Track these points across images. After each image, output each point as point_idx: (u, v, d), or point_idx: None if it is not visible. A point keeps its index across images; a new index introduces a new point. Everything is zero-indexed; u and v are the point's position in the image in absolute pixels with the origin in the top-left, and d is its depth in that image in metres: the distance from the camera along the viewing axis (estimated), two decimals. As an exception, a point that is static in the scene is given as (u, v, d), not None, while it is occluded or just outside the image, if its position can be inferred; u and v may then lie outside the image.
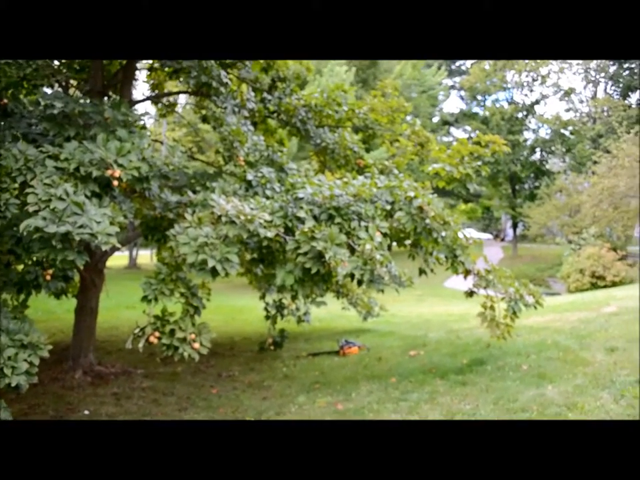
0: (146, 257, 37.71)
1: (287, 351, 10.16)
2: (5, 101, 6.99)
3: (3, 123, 6.56)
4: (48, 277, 5.83)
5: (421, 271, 7.94)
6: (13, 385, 4.78)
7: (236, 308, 16.65)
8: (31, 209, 4.83)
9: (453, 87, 49.55)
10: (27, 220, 4.71)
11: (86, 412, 7.01)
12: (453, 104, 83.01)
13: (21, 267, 6.52)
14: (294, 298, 7.75)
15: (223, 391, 7.87)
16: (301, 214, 6.06)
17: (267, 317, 10.02)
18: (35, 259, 6.10)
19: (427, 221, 6.88)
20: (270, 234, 5.63)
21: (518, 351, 8.23)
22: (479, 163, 8.79)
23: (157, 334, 5.41)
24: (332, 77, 26.89)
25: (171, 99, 12.05)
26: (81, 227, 4.65)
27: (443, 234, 7.20)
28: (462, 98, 48.28)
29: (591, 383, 6.49)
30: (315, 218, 6.21)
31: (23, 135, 6.45)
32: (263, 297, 10.38)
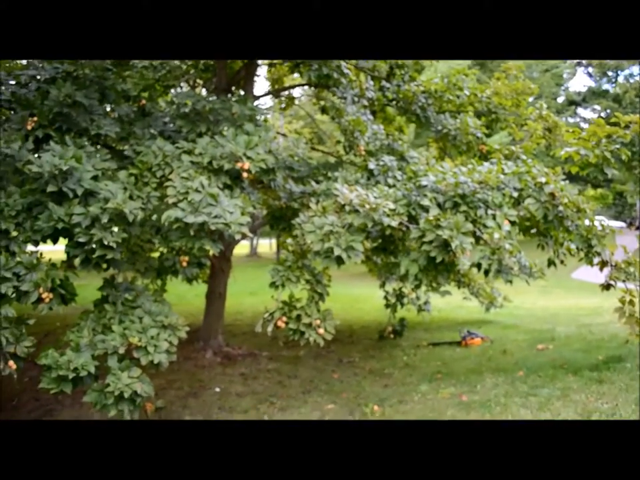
0: (265, 246, 39.21)
1: (407, 340, 10.11)
2: (143, 102, 7.56)
3: (141, 123, 7.12)
4: (184, 264, 6.24)
5: (550, 262, 7.50)
6: (155, 362, 5.22)
7: (353, 296, 16.83)
8: (170, 200, 5.20)
9: (579, 64, 46.03)
10: (167, 211, 5.08)
11: (217, 389, 7.47)
12: (579, 82, 77.18)
13: (157, 255, 7.05)
14: (417, 287, 7.67)
15: (344, 376, 8.00)
16: (425, 202, 5.95)
17: (387, 306, 10.02)
18: (172, 247, 6.55)
19: (560, 208, 6.48)
20: (394, 222, 5.60)
21: (661, 349, 7.54)
22: (617, 145, 8.10)
23: (284, 319, 5.62)
24: (449, 61, 26.09)
25: (290, 92, 12.37)
26: (215, 217, 4.94)
27: (577, 222, 6.75)
28: (590, 75, 44.69)
29: None
30: (439, 206, 6.07)
31: (160, 132, 6.96)
32: (382, 286, 10.38)
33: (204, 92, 10.94)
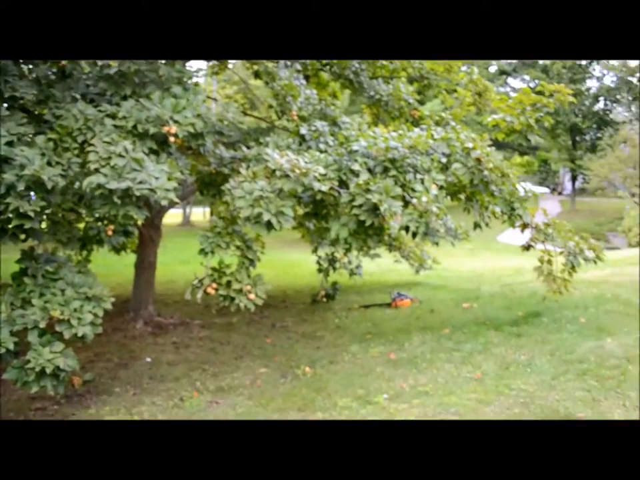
0: (199, 214, 38.47)
1: (339, 304, 10.28)
2: (64, 63, 7.10)
3: (61, 85, 6.70)
4: (110, 233, 6.02)
5: (476, 225, 7.78)
6: (80, 335, 5.06)
7: (287, 262, 16.89)
8: (92, 166, 4.97)
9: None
10: (89, 177, 4.86)
11: (148, 359, 7.36)
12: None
13: (82, 225, 6.77)
14: (347, 251, 7.76)
15: (277, 340, 8.08)
16: (356, 167, 6.00)
17: (320, 270, 10.12)
18: (96, 215, 6.30)
19: (485, 173, 6.70)
20: (324, 187, 5.62)
21: (576, 304, 8.06)
22: (541, 113, 8.40)
23: (214, 285, 5.57)
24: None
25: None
26: (140, 182, 4.77)
27: (501, 187, 7.02)
28: (519, 45, 45.83)
29: (654, 336, 6.32)
30: (370, 171, 6.14)
31: (82, 95, 6.57)
32: (315, 251, 10.45)
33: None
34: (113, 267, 14.97)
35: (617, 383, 5.21)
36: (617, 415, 4.61)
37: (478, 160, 6.68)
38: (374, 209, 5.58)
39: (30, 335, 4.89)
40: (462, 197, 7.72)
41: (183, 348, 7.86)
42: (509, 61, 44.57)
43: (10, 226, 4.97)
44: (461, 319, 8.32)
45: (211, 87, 23.90)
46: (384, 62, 9.70)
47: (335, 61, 9.47)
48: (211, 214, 28.02)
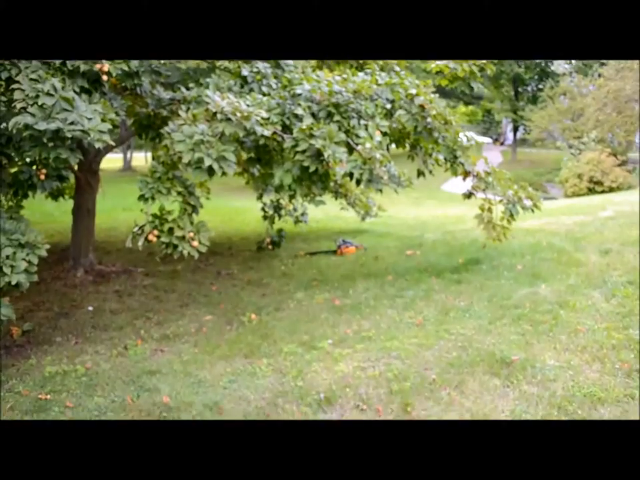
0: (140, 159, 37.26)
1: (285, 251, 10.29)
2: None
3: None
4: (42, 177, 5.75)
5: (419, 172, 7.86)
6: (13, 283, 4.85)
7: (233, 209, 16.70)
8: (18, 105, 4.65)
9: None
10: (15, 117, 4.55)
11: (90, 308, 7.20)
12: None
13: (13, 170, 6.41)
14: (292, 198, 7.73)
15: (223, 288, 8.05)
16: (299, 111, 5.87)
17: (265, 217, 10.06)
18: (27, 159, 5.98)
19: (428, 120, 6.71)
20: (267, 132, 5.49)
21: (513, 252, 8.35)
22: (484, 61, 8.43)
23: (155, 232, 5.42)
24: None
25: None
26: (71, 123, 4.50)
27: (444, 134, 7.06)
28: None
29: (584, 282, 6.65)
30: (314, 115, 6.03)
31: (4, 26, 6.11)
32: (260, 198, 10.36)
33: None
34: (50, 214, 14.41)
35: (549, 327, 5.47)
36: (548, 357, 4.85)
37: (422, 107, 6.67)
38: (318, 154, 5.51)
39: (-41, 285, 4.67)
40: (406, 144, 7.76)
41: (126, 296, 7.71)
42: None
43: None
44: (404, 266, 8.50)
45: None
46: None
47: None
48: (153, 159, 27.22)
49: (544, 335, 5.31)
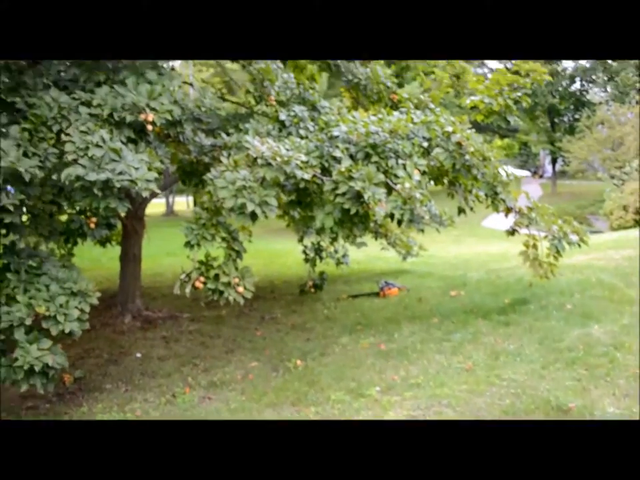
0: (182, 203, 38.21)
1: (327, 293, 10.24)
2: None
3: (32, 71, 6.53)
4: (92, 225, 5.94)
5: (460, 210, 7.78)
6: (67, 331, 4.98)
7: (274, 252, 16.83)
8: (69, 157, 4.86)
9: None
10: (67, 169, 4.75)
11: (138, 354, 7.29)
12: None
13: (64, 217, 6.64)
14: (333, 240, 7.72)
15: (267, 333, 8.04)
16: (337, 153, 5.93)
17: (306, 260, 10.08)
18: (78, 208, 6.20)
19: (467, 157, 6.68)
20: (307, 175, 5.55)
21: (561, 290, 8.09)
22: (519, 94, 8.41)
23: (202, 279, 5.50)
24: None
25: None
26: (120, 173, 4.67)
27: (483, 170, 7.00)
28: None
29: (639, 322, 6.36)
30: (352, 157, 6.07)
31: (54, 82, 6.42)
32: (301, 240, 10.41)
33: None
34: (97, 261, 14.83)
35: (606, 371, 5.23)
36: (607, 403, 4.62)
37: (459, 144, 6.65)
38: (358, 196, 5.53)
39: (16, 332, 4.81)
40: (445, 181, 7.71)
41: (172, 342, 7.79)
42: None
43: (-11, 220, 4.84)
44: (449, 307, 8.33)
45: (187, 70, 23.59)
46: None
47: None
48: (195, 203, 27.82)
49: (601, 380, 5.07)
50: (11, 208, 4.85)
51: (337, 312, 8.98)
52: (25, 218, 5.75)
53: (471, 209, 7.73)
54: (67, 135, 5.01)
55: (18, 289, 5.10)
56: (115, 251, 9.78)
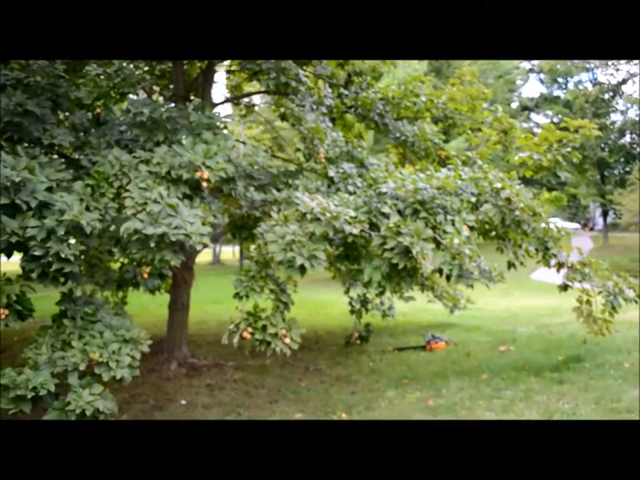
0: (228, 253, 38.87)
1: (373, 345, 10.15)
2: (98, 110, 7.41)
3: (97, 131, 6.95)
4: (145, 275, 6.15)
5: (510, 265, 7.66)
6: (118, 377, 5.09)
7: (318, 302, 16.84)
8: (129, 212, 5.10)
9: (531, 70, 47.26)
10: (126, 223, 4.98)
11: (183, 402, 7.34)
12: (532, 88, 79.23)
13: (116, 266, 6.89)
14: (381, 293, 7.71)
15: (312, 384, 7.98)
16: (385, 209, 6.01)
17: (352, 312, 10.06)
18: (132, 258, 6.43)
19: (516, 212, 6.64)
20: (355, 230, 5.63)
21: (618, 348, 7.79)
22: (568, 149, 8.36)
23: (249, 329, 5.57)
24: (405, 67, 26.50)
25: (250, 99, 12.33)
26: (175, 227, 4.86)
27: (533, 226, 6.93)
28: (542, 81, 46.00)
29: (703, 381, 6.05)
30: (400, 212, 6.14)
31: (116, 141, 6.81)
32: (347, 292, 10.42)
33: (161, 99, 10.77)
34: (145, 307, 15.16)
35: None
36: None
37: (508, 199, 6.63)
38: (406, 251, 5.55)
39: (70, 377, 4.94)
40: (494, 235, 7.66)
41: (217, 390, 7.82)
42: (530, 96, 44.65)
43: (51, 269, 5.07)
44: (499, 363, 8.12)
45: (238, 127, 24.47)
46: (407, 103, 9.85)
47: (359, 103, 9.65)
48: (240, 253, 28.33)
49: (664, 444, 4.80)
50: (72, 258, 5.08)
51: (382, 365, 8.86)
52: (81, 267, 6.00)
53: (521, 263, 7.61)
54: (127, 190, 5.27)
55: (73, 334, 5.29)
56: (162, 298, 10.01)
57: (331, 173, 6.92)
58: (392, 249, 5.58)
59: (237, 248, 32.38)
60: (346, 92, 9.69)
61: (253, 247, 6.14)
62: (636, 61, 34.79)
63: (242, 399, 7.40)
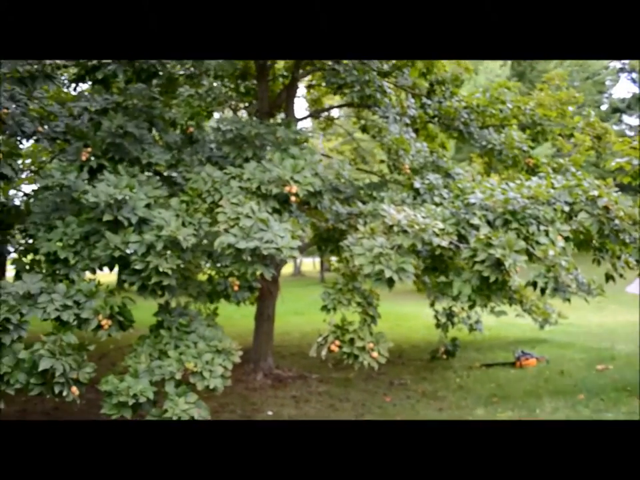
0: (309, 264, 39.30)
1: (458, 361, 9.90)
2: (191, 129, 7.75)
3: (189, 149, 7.28)
4: (236, 288, 6.32)
5: (608, 277, 7.26)
6: (211, 387, 5.25)
7: (400, 315, 16.63)
8: (221, 227, 5.28)
9: (622, 70, 44.70)
10: (220, 238, 5.16)
11: (269, 413, 7.46)
12: (623, 88, 74.81)
13: (203, 278, 7.12)
14: (471, 307, 7.49)
15: (397, 399, 7.88)
16: (475, 220, 5.87)
17: (437, 325, 9.86)
18: (222, 271, 6.63)
19: (615, 221, 6.27)
20: (444, 242, 5.53)
21: None
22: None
23: (337, 342, 5.58)
24: (486, 73, 25.87)
25: (329, 112, 12.48)
26: (267, 242, 4.99)
27: (634, 235, 6.52)
28: (634, 81, 43.31)
29: None
30: (489, 224, 5.97)
31: (207, 158, 7.10)
32: (432, 305, 10.23)
33: (245, 116, 11.13)
34: (230, 318, 15.56)
35: None
36: None
37: (606, 208, 6.27)
38: (497, 264, 5.39)
39: (167, 385, 5.16)
40: (590, 246, 7.27)
41: (302, 402, 7.88)
42: (621, 97, 42.12)
43: (150, 282, 5.34)
44: (597, 383, 7.69)
45: (317, 140, 24.73)
46: (493, 110, 9.60)
47: (443, 112, 9.51)
48: (321, 265, 28.56)
49: None
50: (169, 272, 5.32)
51: (469, 381, 8.61)
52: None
53: (620, 275, 7.19)
54: (220, 206, 5.46)
55: (169, 344, 5.52)
56: (246, 309, 10.23)
57: (417, 184, 6.85)
58: (482, 262, 5.43)
59: (318, 260, 32.69)
60: (429, 102, 9.59)
61: (333, 258, 6.17)
62: None
63: (327, 412, 7.42)
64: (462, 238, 5.94)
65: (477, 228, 5.85)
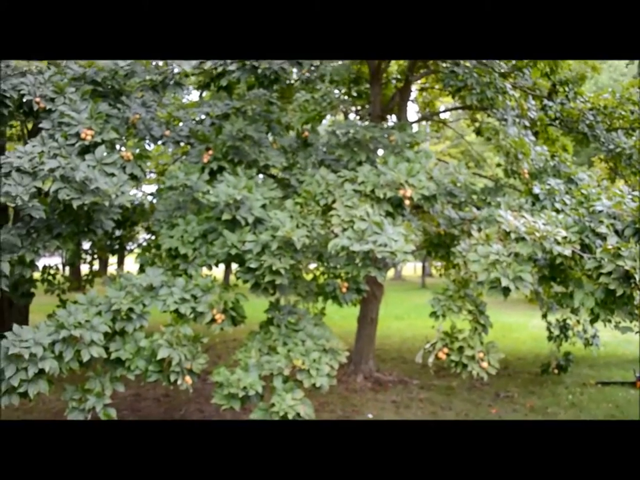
0: (409, 269, 38.82)
1: (570, 377, 9.35)
2: (306, 133, 7.93)
3: (304, 152, 7.45)
4: (344, 290, 6.37)
5: None
6: (317, 385, 5.35)
7: (505, 325, 15.95)
8: (335, 229, 5.36)
9: None
10: (333, 240, 5.24)
11: (369, 415, 7.46)
12: None
13: (309, 277, 7.24)
14: (593, 322, 6.99)
15: (503, 412, 7.59)
16: (602, 229, 5.51)
17: (550, 338, 9.38)
18: (333, 273, 6.72)
19: None
20: (567, 251, 5.24)
21: None
22: None
23: (445, 350, 5.47)
24: (610, 72, 24.20)
25: (443, 115, 12.26)
26: (381, 245, 4.98)
27: None
28: None
29: None
30: (617, 233, 5.59)
31: (320, 161, 7.23)
32: (544, 316, 9.72)
33: (357, 119, 11.19)
34: (330, 318, 15.72)
35: None
36: None
37: None
38: (626, 276, 5.03)
39: (275, 380, 5.31)
40: None
41: (403, 408, 7.81)
42: None
43: (264, 281, 5.52)
44: None
45: (425, 143, 24.37)
46: (623, 112, 8.96)
47: (565, 114, 9.02)
48: (423, 269, 28.11)
49: None
50: (282, 271, 5.47)
51: (583, 399, 8.11)
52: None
53: None
54: (333, 208, 5.54)
55: (278, 341, 5.69)
56: (347, 310, 10.25)
57: (536, 190, 6.54)
58: (609, 274, 5.09)
59: (419, 264, 32.21)
60: (550, 103, 9.13)
61: (438, 264, 6.03)
62: None
63: (429, 419, 7.28)
64: (585, 247, 5.61)
65: (603, 237, 5.50)
